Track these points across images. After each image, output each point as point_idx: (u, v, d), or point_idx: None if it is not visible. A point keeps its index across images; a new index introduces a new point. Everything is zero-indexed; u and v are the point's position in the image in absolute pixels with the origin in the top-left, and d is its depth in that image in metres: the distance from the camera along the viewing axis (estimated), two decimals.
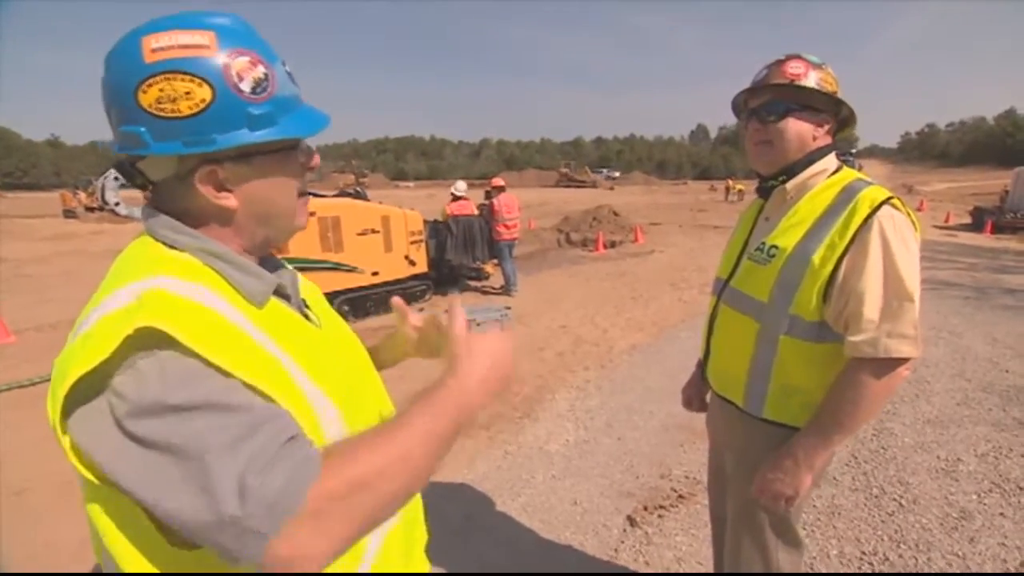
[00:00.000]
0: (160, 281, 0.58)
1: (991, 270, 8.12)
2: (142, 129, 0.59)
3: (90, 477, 0.54)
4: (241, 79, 0.61)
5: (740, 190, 27.15)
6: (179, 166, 0.62)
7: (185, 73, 0.58)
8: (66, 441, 0.53)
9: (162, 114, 0.58)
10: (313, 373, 0.66)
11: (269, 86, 0.63)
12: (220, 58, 0.60)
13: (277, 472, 0.52)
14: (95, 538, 0.60)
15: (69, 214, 22.41)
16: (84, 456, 0.53)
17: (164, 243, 0.64)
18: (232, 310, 0.61)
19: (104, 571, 0.61)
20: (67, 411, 0.53)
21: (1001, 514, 2.37)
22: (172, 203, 0.65)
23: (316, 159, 0.73)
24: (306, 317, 0.76)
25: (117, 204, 18.52)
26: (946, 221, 14.93)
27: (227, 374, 0.56)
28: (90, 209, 21.54)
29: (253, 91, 0.62)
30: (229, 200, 0.64)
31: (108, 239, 14.81)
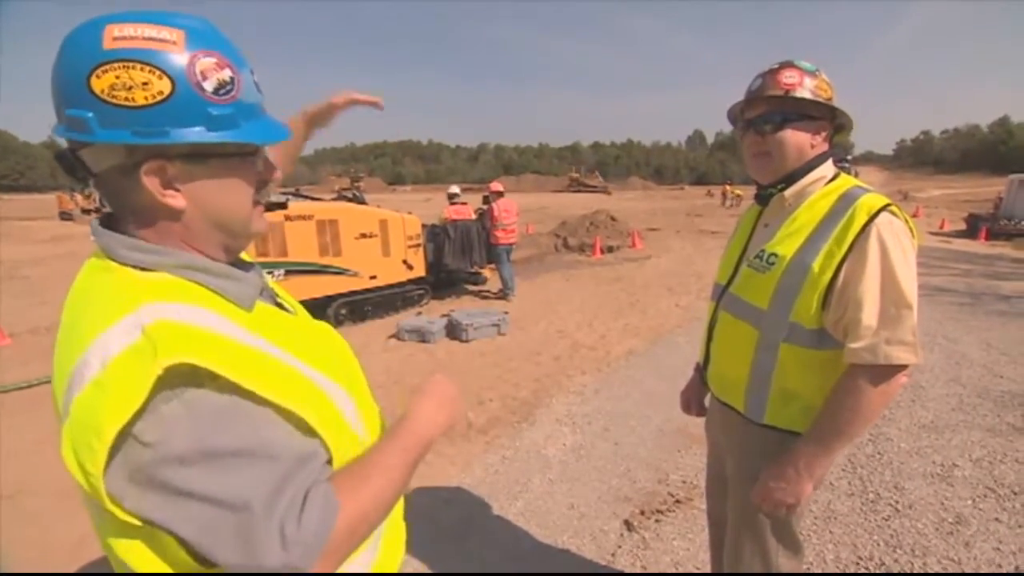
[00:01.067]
0: (154, 309, 0.56)
1: (986, 276, 8.17)
2: (89, 114, 0.56)
3: (127, 518, 0.54)
4: (205, 78, 0.59)
5: (738, 195, 27.20)
6: (126, 158, 0.59)
7: (145, 63, 0.56)
8: (103, 490, 0.52)
9: (114, 101, 0.56)
10: (322, 367, 0.68)
11: (234, 90, 0.62)
12: (185, 55, 0.58)
13: (310, 518, 0.58)
14: (119, 566, 0.60)
15: (65, 216, 22.36)
16: (116, 501, 0.53)
17: (130, 266, 0.61)
18: (234, 327, 0.60)
19: None
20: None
21: (996, 519, 2.39)
22: (115, 198, 0.63)
23: (277, 173, 0.72)
24: (281, 307, 0.77)
25: None
26: (941, 227, 15.02)
27: (258, 400, 0.57)
28: (87, 211, 21.51)
29: (216, 92, 0.60)
30: (176, 199, 0.62)
31: None
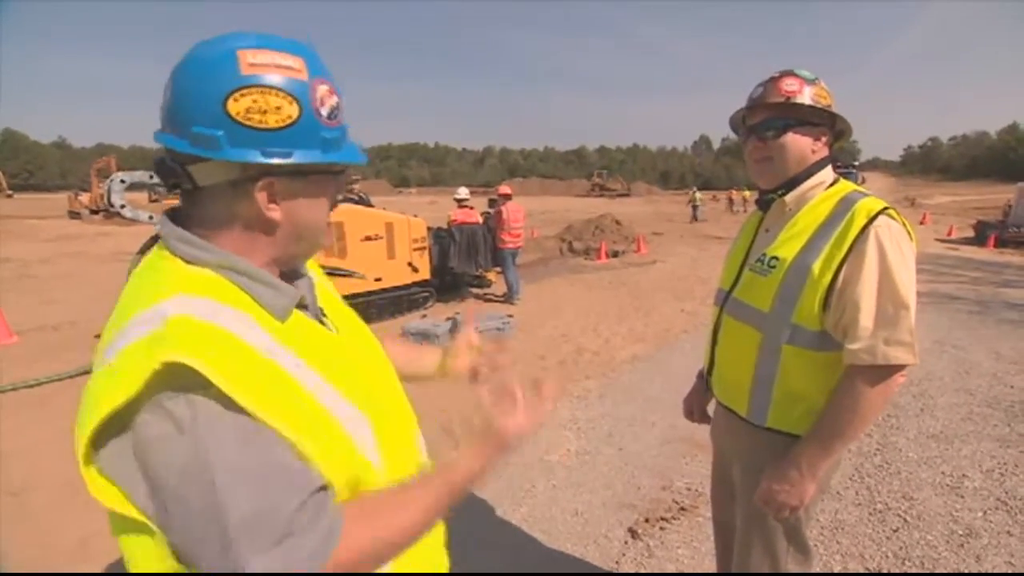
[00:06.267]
0: (183, 302, 0.58)
1: (994, 284, 8.09)
2: (220, 133, 0.60)
3: (118, 509, 0.54)
4: (322, 104, 0.65)
5: (745, 197, 27.07)
6: (240, 174, 0.63)
7: (280, 90, 0.61)
8: (89, 473, 0.54)
9: (248, 123, 0.60)
10: (341, 387, 0.67)
11: (339, 115, 0.68)
12: (308, 82, 0.63)
13: (304, 544, 0.56)
14: (130, 564, 0.60)
15: (74, 215, 22.55)
16: (119, 489, 0.54)
17: (182, 258, 0.64)
18: (259, 333, 0.61)
19: None
20: (97, 443, 0.54)
21: (1008, 532, 2.35)
22: (215, 208, 0.65)
23: (344, 187, 0.77)
24: (323, 324, 0.76)
25: (123, 207, 18.81)
26: (949, 234, 14.92)
27: (256, 419, 0.56)
28: (94, 211, 21.68)
29: (329, 116, 0.66)
30: (276, 212, 0.66)
31: (112, 241, 14.87)
